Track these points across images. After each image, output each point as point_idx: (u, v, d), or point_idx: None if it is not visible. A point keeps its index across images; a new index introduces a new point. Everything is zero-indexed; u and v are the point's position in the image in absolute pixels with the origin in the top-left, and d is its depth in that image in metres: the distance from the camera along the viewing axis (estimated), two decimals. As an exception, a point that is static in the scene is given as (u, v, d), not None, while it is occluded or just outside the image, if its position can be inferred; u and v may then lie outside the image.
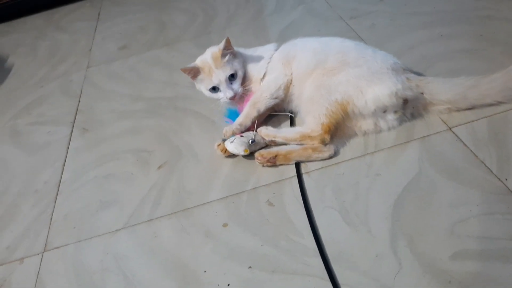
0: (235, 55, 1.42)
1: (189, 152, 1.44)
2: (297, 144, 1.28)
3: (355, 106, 1.25)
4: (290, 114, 1.46)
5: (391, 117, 1.28)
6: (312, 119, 1.28)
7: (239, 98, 1.42)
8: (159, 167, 1.41)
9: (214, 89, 1.40)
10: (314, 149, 1.25)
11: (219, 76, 1.37)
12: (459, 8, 1.79)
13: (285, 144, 1.31)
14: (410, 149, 1.23)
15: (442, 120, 1.28)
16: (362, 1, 2.05)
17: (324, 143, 1.25)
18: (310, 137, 1.26)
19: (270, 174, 1.27)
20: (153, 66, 2.00)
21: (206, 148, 1.43)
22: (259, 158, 1.27)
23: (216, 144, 1.36)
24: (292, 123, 1.44)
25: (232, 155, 1.35)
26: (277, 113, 1.47)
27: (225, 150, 1.34)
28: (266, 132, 1.33)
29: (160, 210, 1.26)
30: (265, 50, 1.51)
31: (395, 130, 1.29)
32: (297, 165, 1.26)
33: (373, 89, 1.25)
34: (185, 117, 1.61)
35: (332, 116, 1.26)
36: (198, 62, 1.42)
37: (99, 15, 2.69)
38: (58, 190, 1.43)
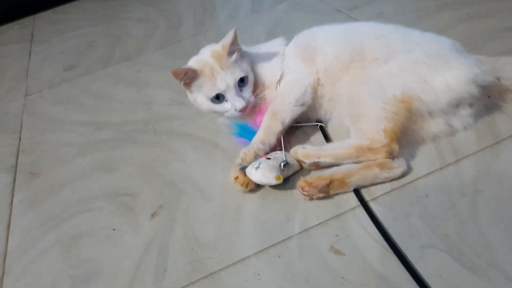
0: (242, 54, 1.05)
1: (191, 188, 1.04)
2: (354, 163, 0.92)
3: (421, 102, 0.93)
4: (319, 123, 1.10)
5: (465, 112, 0.97)
6: (368, 126, 0.93)
7: (249, 110, 1.05)
8: (153, 215, 0.99)
9: (218, 98, 1.02)
10: (382, 166, 0.90)
11: (227, 79, 1.00)
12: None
13: (334, 165, 0.94)
14: (504, 152, 0.91)
15: (527, 110, 0.98)
16: (355, -10, 1.76)
17: (392, 155, 0.91)
18: (371, 149, 0.91)
19: (319, 207, 0.90)
20: (114, 84, 1.58)
21: (215, 179, 1.04)
22: (307, 188, 0.89)
23: (233, 175, 0.97)
24: (325, 135, 1.08)
25: (256, 186, 0.97)
26: (301, 124, 1.11)
27: (247, 183, 0.96)
28: (305, 152, 0.96)
29: (169, 280, 0.84)
30: (272, 46, 1.16)
31: (473, 130, 0.97)
32: (357, 191, 0.90)
33: (442, 76, 0.93)
34: (173, 142, 1.20)
35: (395, 119, 0.92)
36: (194, 63, 1.04)
37: (32, 35, 2.21)
38: (4, 267, 0.96)
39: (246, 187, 0.96)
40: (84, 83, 1.64)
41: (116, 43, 1.90)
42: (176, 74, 1.00)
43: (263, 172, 0.93)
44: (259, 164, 0.94)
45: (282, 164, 0.95)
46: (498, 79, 0.97)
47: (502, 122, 0.97)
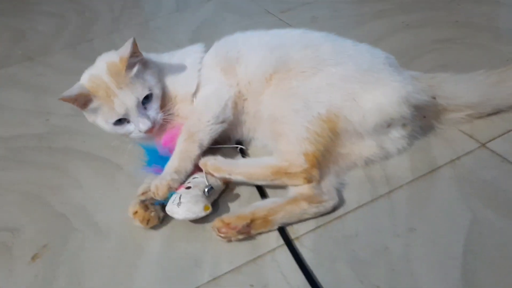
0: (145, 64, 0.88)
1: (85, 222, 0.86)
2: (268, 184, 0.80)
3: (348, 122, 0.82)
4: (239, 146, 0.96)
5: (398, 133, 0.87)
6: (287, 147, 0.81)
7: (158, 129, 0.89)
8: (34, 257, 0.81)
9: (120, 120, 0.85)
10: (310, 200, 0.77)
11: (126, 101, 0.83)
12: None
13: (246, 183, 0.82)
14: (441, 182, 0.82)
15: (465, 133, 0.90)
16: (287, -8, 1.65)
17: (310, 182, 0.79)
18: (288, 174, 0.79)
19: (235, 248, 0.76)
20: (9, 89, 1.36)
21: (114, 212, 0.88)
22: (224, 230, 0.74)
23: (131, 210, 0.81)
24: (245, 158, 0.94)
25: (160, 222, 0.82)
26: (220, 146, 0.95)
27: (148, 219, 0.80)
28: (215, 164, 0.82)
29: None
30: (188, 53, 1.00)
31: (407, 154, 0.88)
32: (282, 230, 0.77)
33: (372, 94, 0.83)
34: (69, 163, 1.02)
35: (318, 141, 0.80)
36: (86, 81, 0.85)
37: None
38: None
39: (147, 223, 0.80)
40: (-27, 86, 1.41)
41: (19, 39, 1.67)
42: (66, 100, 0.82)
43: (187, 207, 0.77)
44: (180, 198, 0.78)
45: (206, 190, 0.80)
46: (434, 98, 0.88)
47: (437, 147, 0.88)
